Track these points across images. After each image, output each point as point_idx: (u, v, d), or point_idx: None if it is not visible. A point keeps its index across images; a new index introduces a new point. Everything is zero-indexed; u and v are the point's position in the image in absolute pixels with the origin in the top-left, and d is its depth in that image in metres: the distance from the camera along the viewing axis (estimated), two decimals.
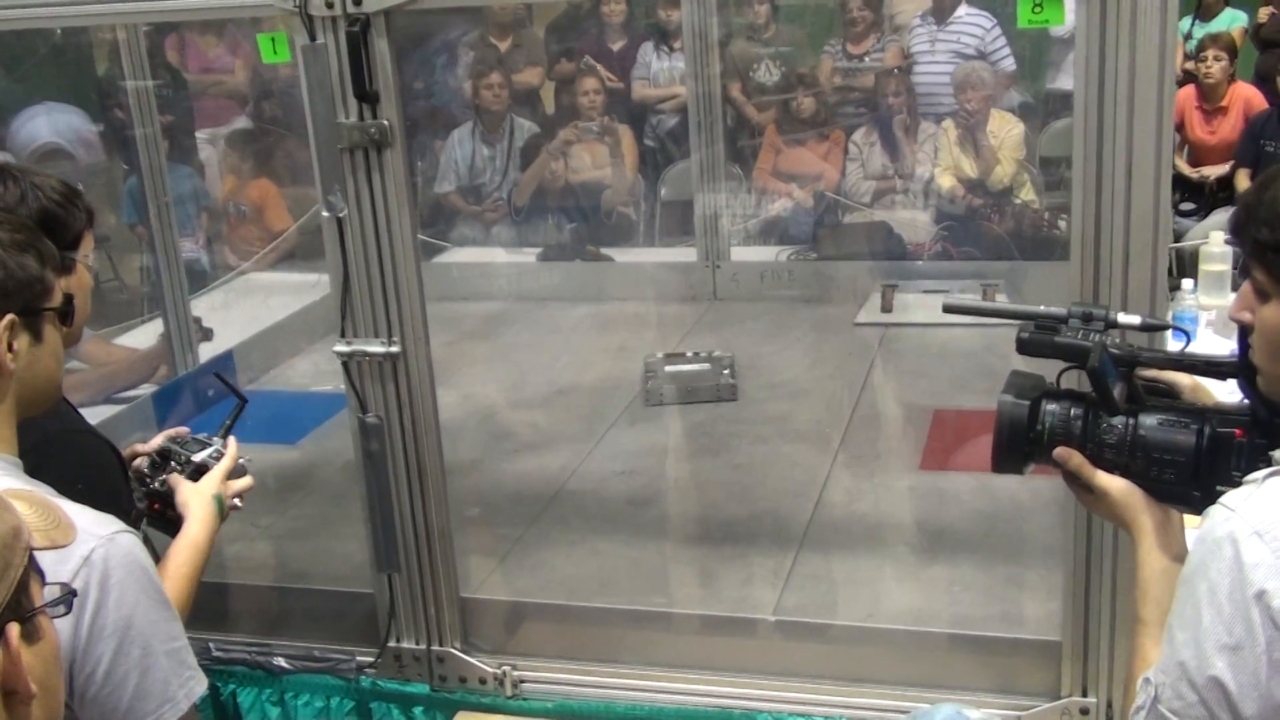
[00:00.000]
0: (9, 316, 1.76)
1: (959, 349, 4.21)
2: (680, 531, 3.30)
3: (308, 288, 4.92)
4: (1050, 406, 1.65)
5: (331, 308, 2.55)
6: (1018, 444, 1.65)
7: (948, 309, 1.82)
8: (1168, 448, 1.57)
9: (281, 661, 2.78)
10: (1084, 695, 2.39)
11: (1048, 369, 1.69)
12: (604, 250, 5.63)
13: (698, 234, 4.99)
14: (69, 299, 1.87)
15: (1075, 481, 1.65)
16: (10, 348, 1.77)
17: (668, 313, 4.87)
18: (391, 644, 2.72)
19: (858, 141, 6.16)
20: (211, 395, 4.10)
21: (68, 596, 1.15)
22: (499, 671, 2.68)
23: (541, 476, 3.56)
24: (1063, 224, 5.25)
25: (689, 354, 4.23)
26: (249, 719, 2.82)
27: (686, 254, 5.24)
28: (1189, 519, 1.57)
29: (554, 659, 2.71)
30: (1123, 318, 1.65)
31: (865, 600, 2.85)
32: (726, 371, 4.08)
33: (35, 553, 1.12)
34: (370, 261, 2.49)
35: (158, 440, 2.32)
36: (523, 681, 2.68)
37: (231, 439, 2.31)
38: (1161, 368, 1.68)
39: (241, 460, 2.29)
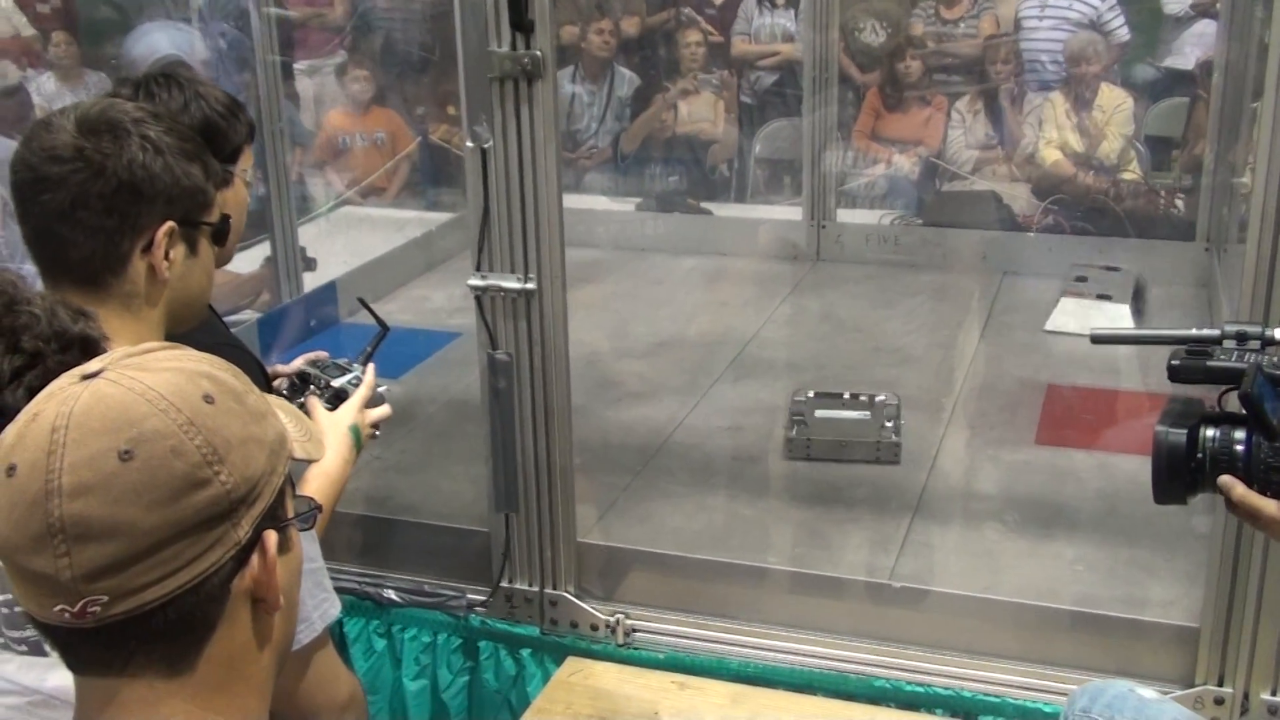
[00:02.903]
0: (169, 224, 1.73)
1: None
2: (788, 491, 3.24)
3: (408, 224, 4.92)
4: (1210, 432, 1.58)
5: (470, 240, 2.51)
6: (1178, 474, 1.59)
7: (1096, 340, 1.76)
8: None
9: (391, 594, 2.77)
10: (1220, 685, 2.32)
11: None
12: (701, 205, 5.57)
13: (804, 193, 4.91)
14: (225, 218, 1.84)
15: (1241, 508, 1.58)
16: (167, 256, 1.75)
17: (770, 270, 4.80)
18: (504, 584, 2.69)
19: (961, 109, 6.04)
20: (313, 325, 4.10)
21: (313, 512, 1.12)
22: (612, 619, 2.64)
23: (646, 427, 3.52)
24: (1180, 204, 5.13)
25: (846, 395, 3.48)
26: (354, 649, 2.81)
27: (790, 212, 5.15)
28: None
29: (666, 610, 2.67)
30: None
31: (983, 572, 2.78)
32: (889, 425, 3.33)
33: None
34: (512, 196, 2.44)
35: (297, 363, 2.30)
36: (635, 631, 2.65)
37: (370, 367, 2.29)
38: None
39: (380, 389, 2.28)
